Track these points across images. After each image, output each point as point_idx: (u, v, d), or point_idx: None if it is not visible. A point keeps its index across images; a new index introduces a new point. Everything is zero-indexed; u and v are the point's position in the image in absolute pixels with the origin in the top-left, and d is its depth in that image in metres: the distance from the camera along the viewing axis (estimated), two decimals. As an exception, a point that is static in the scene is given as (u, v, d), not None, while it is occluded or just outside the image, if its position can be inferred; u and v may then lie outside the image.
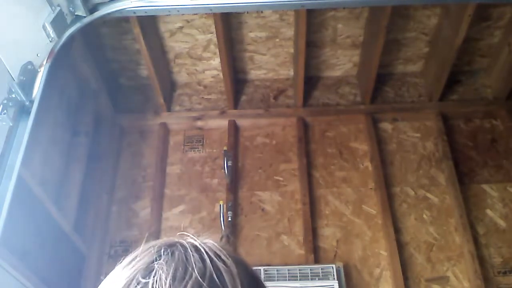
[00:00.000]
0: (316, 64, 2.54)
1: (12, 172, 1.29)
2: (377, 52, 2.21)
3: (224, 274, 0.49)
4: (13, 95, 1.38)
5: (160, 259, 0.49)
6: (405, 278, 1.98)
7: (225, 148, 2.26)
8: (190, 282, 0.47)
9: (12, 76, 1.38)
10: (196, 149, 2.40)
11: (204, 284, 0.47)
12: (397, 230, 2.11)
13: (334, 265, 1.97)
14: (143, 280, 0.47)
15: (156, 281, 0.47)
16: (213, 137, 2.44)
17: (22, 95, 1.39)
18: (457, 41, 2.13)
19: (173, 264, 0.48)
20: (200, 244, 0.52)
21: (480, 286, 1.94)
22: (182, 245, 0.51)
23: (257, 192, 2.26)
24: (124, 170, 2.34)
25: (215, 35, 2.16)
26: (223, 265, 0.50)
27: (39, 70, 1.46)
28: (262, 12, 2.25)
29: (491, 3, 2.22)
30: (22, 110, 1.41)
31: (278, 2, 1.64)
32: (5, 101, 1.35)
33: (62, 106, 2.08)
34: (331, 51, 2.47)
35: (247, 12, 2.25)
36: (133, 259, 0.51)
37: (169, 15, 2.23)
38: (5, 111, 1.34)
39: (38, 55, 1.47)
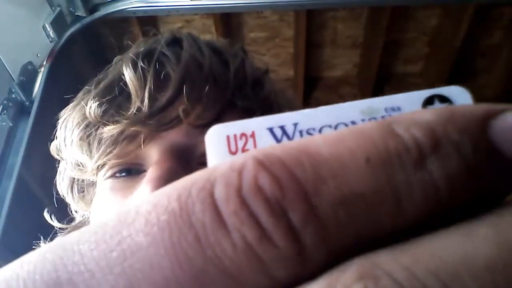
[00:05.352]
0: (316, 64, 2.53)
1: (12, 172, 1.29)
2: (377, 53, 2.20)
3: None
4: (13, 95, 1.38)
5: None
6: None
7: (225, 148, 2.25)
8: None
9: (12, 76, 1.38)
10: (196, 149, 2.40)
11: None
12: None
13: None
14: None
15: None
16: (213, 137, 2.44)
17: (22, 95, 1.39)
18: (457, 41, 2.13)
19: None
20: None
21: (480, 286, 1.93)
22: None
23: (257, 192, 2.25)
24: (124, 170, 2.33)
25: (215, 35, 2.16)
26: None
27: (39, 70, 1.46)
28: (262, 12, 2.25)
29: (491, 3, 2.22)
30: (22, 110, 1.41)
31: (278, 2, 1.64)
32: (5, 101, 1.35)
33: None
34: (331, 51, 2.47)
35: (247, 12, 2.25)
36: None
37: (169, 15, 2.22)
38: (5, 111, 1.34)
39: (38, 55, 1.47)
